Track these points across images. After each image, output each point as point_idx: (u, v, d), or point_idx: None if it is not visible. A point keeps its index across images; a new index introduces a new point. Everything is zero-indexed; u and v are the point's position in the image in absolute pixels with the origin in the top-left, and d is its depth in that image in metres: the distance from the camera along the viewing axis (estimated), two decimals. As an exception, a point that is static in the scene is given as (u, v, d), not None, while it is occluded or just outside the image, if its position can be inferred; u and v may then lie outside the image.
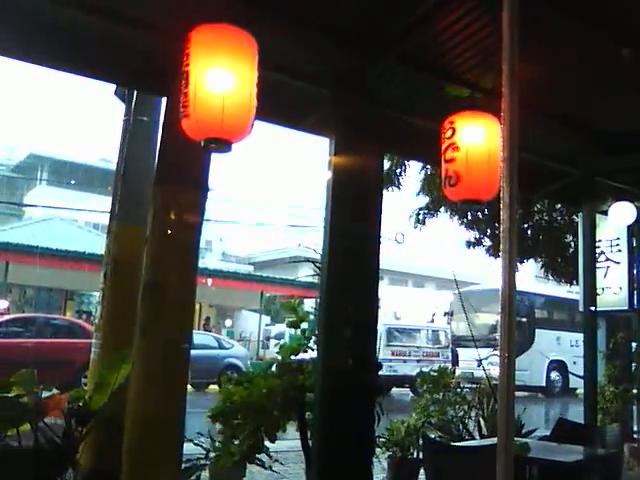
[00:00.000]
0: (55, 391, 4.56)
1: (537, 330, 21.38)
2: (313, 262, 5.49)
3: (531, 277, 24.20)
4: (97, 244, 15.67)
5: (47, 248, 20.99)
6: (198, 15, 2.86)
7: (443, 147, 3.79)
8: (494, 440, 2.44)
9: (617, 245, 7.87)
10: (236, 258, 44.34)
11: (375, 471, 4.69)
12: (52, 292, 25.77)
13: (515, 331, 2.36)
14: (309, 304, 7.54)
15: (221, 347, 19.26)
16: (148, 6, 3.48)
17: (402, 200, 11.02)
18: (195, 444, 5.23)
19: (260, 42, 2.89)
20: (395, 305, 27.00)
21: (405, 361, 19.80)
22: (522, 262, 11.74)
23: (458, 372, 10.36)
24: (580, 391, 11.60)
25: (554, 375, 21.85)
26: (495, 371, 2.85)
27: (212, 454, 5.10)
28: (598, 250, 7.66)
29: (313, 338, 5.14)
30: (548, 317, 23.11)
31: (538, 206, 11.16)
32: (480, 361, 10.39)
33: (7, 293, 22.77)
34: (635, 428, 8.33)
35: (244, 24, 2.85)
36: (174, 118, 2.99)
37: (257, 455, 5.17)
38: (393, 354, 19.62)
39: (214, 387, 15.44)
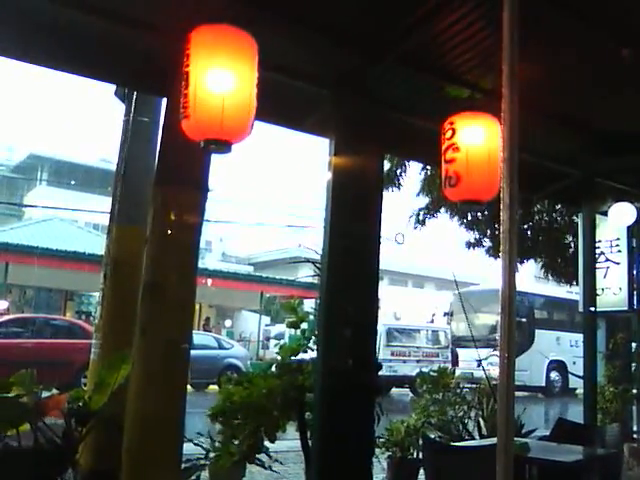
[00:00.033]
0: (55, 391, 4.56)
1: (537, 330, 21.38)
2: (313, 262, 5.49)
3: (531, 277, 24.22)
4: (97, 244, 15.68)
5: (47, 249, 21.00)
6: (198, 16, 2.86)
7: (443, 147, 3.79)
8: (494, 440, 2.44)
9: (617, 246, 7.87)
10: (236, 258, 44.34)
11: (375, 471, 4.69)
12: (52, 292, 25.77)
13: (515, 331, 2.36)
14: (309, 304, 7.55)
15: (221, 347, 19.26)
16: (148, 6, 3.48)
17: (402, 200, 11.02)
18: (195, 444, 5.23)
19: (260, 42, 2.89)
20: (395, 305, 27.02)
21: (405, 361, 19.79)
22: (522, 262, 11.75)
23: (458, 372, 10.35)
24: (580, 391, 11.61)
25: (554, 375, 21.85)
26: (495, 371, 2.85)
27: (212, 454, 5.11)
28: (598, 251, 7.66)
29: (313, 338, 5.14)
30: (548, 317, 23.12)
31: (538, 207, 11.17)
32: (480, 361, 10.39)
33: (7, 293, 22.77)
34: (635, 428, 8.33)
35: (244, 24, 2.85)
36: (174, 119, 2.99)
37: (257, 455, 5.17)
38: (393, 354, 19.62)
39: (214, 387, 15.44)
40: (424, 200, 11.17)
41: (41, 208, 32.26)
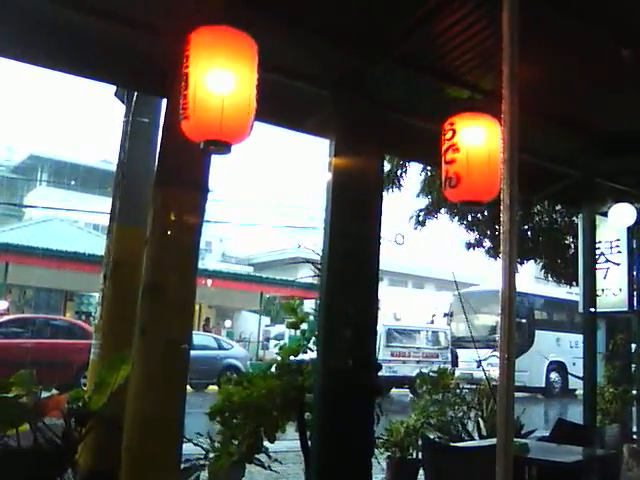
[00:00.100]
0: (54, 391, 4.56)
1: (537, 331, 21.37)
2: (313, 263, 5.49)
3: (531, 278, 24.19)
4: (97, 245, 15.66)
5: (47, 249, 21.01)
6: (198, 17, 2.86)
7: (443, 148, 3.80)
8: (493, 441, 2.44)
9: (617, 246, 7.87)
10: (236, 259, 44.33)
11: (374, 471, 4.69)
12: (52, 293, 25.77)
13: (515, 332, 2.36)
14: (309, 305, 7.54)
15: (221, 348, 19.26)
16: (148, 8, 3.49)
17: (402, 201, 11.03)
18: (194, 444, 5.23)
19: (260, 44, 2.89)
20: (395, 306, 27.00)
21: (405, 362, 19.79)
22: (522, 263, 11.75)
23: (457, 373, 10.39)
24: (579, 392, 11.61)
25: (554, 376, 21.85)
26: (494, 372, 2.85)
27: (211, 454, 5.10)
28: (598, 251, 7.65)
29: (313, 339, 5.14)
30: (548, 318, 23.12)
31: (538, 207, 11.17)
32: (479, 362, 10.40)
33: (7, 294, 22.77)
34: (634, 429, 8.33)
35: (244, 26, 2.85)
36: (174, 120, 2.99)
37: (256, 455, 5.17)
38: (393, 355, 19.62)
39: (214, 388, 15.43)
40: (424, 201, 11.18)
41: (41, 209, 32.27)
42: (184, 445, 3.92)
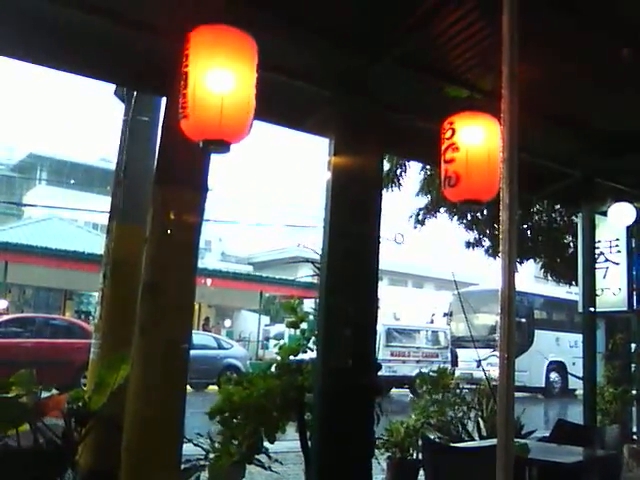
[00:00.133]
0: (54, 391, 4.55)
1: (536, 331, 21.39)
2: (312, 262, 5.48)
3: (530, 278, 24.23)
4: (96, 244, 15.66)
5: (46, 248, 21.02)
6: (198, 16, 2.86)
7: (443, 147, 3.79)
8: (494, 441, 2.44)
9: (616, 246, 7.87)
10: (235, 258, 44.33)
11: (374, 472, 4.68)
12: (51, 292, 25.80)
13: (514, 332, 2.36)
14: (308, 304, 7.54)
15: (220, 347, 19.26)
16: (148, 7, 3.48)
17: (402, 200, 11.03)
18: (195, 445, 5.22)
19: (260, 43, 2.89)
20: (394, 306, 27.03)
21: (404, 362, 19.79)
22: (522, 263, 11.75)
23: (457, 373, 10.37)
24: (579, 392, 11.61)
25: (553, 376, 21.87)
26: (494, 372, 2.85)
27: (212, 455, 5.10)
28: (597, 251, 7.66)
29: (312, 338, 5.13)
30: (547, 318, 23.13)
31: (538, 207, 11.17)
32: (479, 362, 10.41)
33: (6, 293, 22.77)
34: (634, 429, 8.33)
35: (243, 25, 2.85)
36: (173, 118, 2.99)
37: (256, 456, 5.16)
38: (392, 355, 19.62)
39: (213, 387, 15.42)
40: (424, 200, 11.18)
41: (40, 207, 32.26)
42: (184, 445, 3.92)
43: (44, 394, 4.38)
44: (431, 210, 11.14)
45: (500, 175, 2.44)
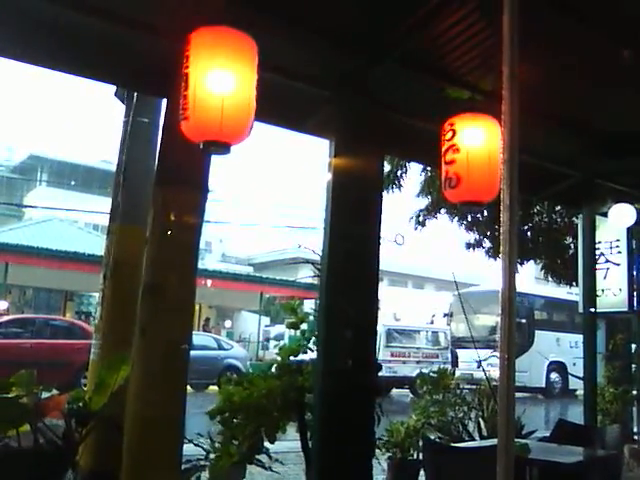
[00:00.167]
0: (55, 392, 4.55)
1: (537, 331, 21.39)
2: (313, 263, 5.48)
3: (531, 278, 24.22)
4: (97, 245, 15.66)
5: (47, 249, 21.02)
6: (198, 17, 2.86)
7: (443, 149, 3.79)
8: (494, 441, 2.44)
9: (617, 247, 7.86)
10: (236, 259, 44.31)
11: (375, 472, 4.68)
12: (52, 293, 25.80)
13: (515, 332, 2.36)
14: (309, 305, 7.55)
15: (221, 348, 19.26)
16: (148, 8, 3.49)
17: (402, 201, 11.03)
18: (195, 445, 5.22)
19: (260, 44, 2.89)
20: (395, 306, 26.99)
21: (405, 362, 19.79)
22: (522, 264, 11.75)
23: (458, 373, 10.37)
24: (580, 392, 11.61)
25: (554, 376, 21.86)
26: (495, 372, 2.85)
27: (212, 455, 5.10)
28: (598, 252, 7.65)
29: (313, 339, 5.14)
30: (548, 318, 23.13)
31: (538, 208, 11.17)
32: (480, 362, 10.40)
33: (7, 294, 22.77)
34: (635, 429, 8.33)
35: (244, 27, 2.85)
36: (174, 120, 2.99)
37: (257, 456, 5.16)
38: (393, 355, 19.62)
39: (214, 388, 15.43)
40: (424, 201, 11.18)
41: (41, 209, 32.26)
42: (185, 446, 3.92)
43: (44, 394, 4.38)
44: (431, 211, 11.14)
45: (500, 176, 2.44)
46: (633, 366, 8.81)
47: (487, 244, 11.56)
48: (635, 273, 7.90)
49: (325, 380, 3.91)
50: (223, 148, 2.88)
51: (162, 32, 3.45)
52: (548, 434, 5.71)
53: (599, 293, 7.42)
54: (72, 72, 4.05)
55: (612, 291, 7.83)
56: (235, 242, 45.52)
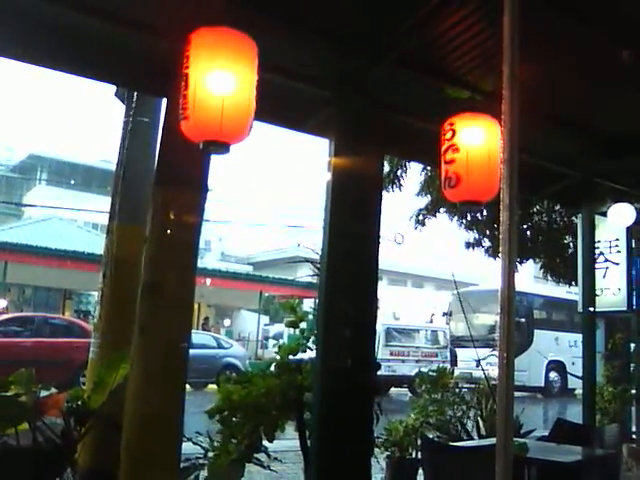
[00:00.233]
0: (54, 390, 4.55)
1: (536, 330, 21.40)
2: (312, 262, 5.48)
3: (530, 278, 24.24)
4: (96, 244, 15.68)
5: (46, 248, 21.04)
6: (198, 18, 2.86)
7: (443, 148, 3.79)
8: (493, 440, 2.44)
9: (616, 246, 7.88)
10: (235, 258, 44.31)
11: (373, 471, 4.69)
12: (51, 291, 25.80)
13: (514, 332, 2.37)
14: (308, 304, 7.55)
15: (220, 347, 19.27)
16: (148, 8, 3.49)
17: (402, 201, 11.04)
18: (194, 443, 5.23)
19: (260, 44, 2.89)
20: (394, 305, 27.03)
21: (404, 361, 19.80)
22: (521, 263, 11.75)
23: (457, 372, 10.37)
24: (579, 391, 11.62)
25: (553, 375, 21.87)
26: (494, 371, 2.85)
27: (211, 453, 5.10)
28: (597, 251, 7.66)
29: (312, 338, 5.14)
30: (547, 317, 23.14)
31: (537, 207, 11.18)
32: (479, 361, 10.40)
33: (6, 292, 22.77)
34: (634, 428, 8.35)
35: (244, 27, 2.85)
36: (174, 119, 2.99)
37: (256, 455, 5.17)
38: (392, 354, 19.63)
39: (213, 387, 15.42)
40: (424, 200, 11.18)
41: (40, 207, 32.26)
42: (183, 444, 3.92)
43: (43, 393, 4.37)
44: (431, 211, 11.14)
45: (500, 176, 2.44)
46: (632, 365, 8.82)
47: (486, 243, 11.57)
48: (634, 272, 7.91)
49: (324, 379, 3.92)
50: (223, 148, 2.88)
51: (162, 32, 3.44)
52: (547, 433, 5.72)
53: (598, 292, 7.42)
54: (72, 72, 4.05)
55: (611, 290, 7.84)
56: (234, 241, 45.53)
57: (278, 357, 5.28)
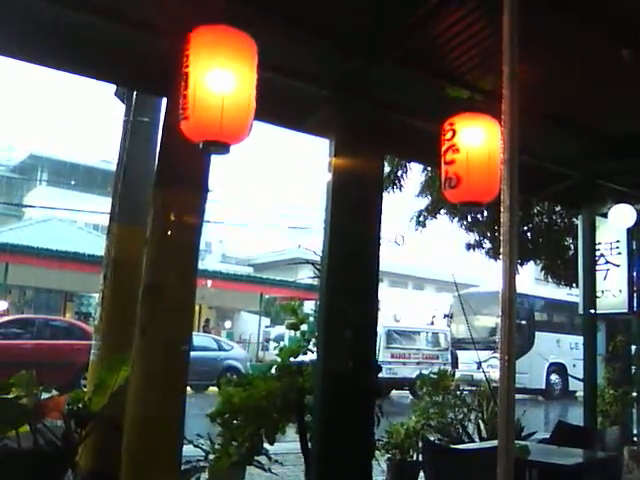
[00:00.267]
0: (54, 392, 4.55)
1: (537, 333, 21.37)
2: (313, 264, 5.48)
3: (531, 280, 24.20)
4: (97, 245, 15.65)
5: (47, 249, 21.02)
6: (198, 17, 2.86)
7: (443, 149, 3.78)
8: (494, 443, 2.43)
9: (617, 248, 7.85)
10: (236, 260, 44.30)
11: (374, 473, 4.68)
12: (51, 293, 25.78)
13: (515, 334, 2.36)
14: (309, 306, 7.54)
15: (221, 349, 19.26)
16: (148, 7, 3.48)
17: (403, 202, 11.02)
18: (195, 446, 5.23)
19: (260, 44, 2.88)
20: (395, 307, 27.00)
21: (405, 363, 19.79)
22: (522, 265, 11.74)
23: (458, 375, 10.38)
24: (580, 394, 11.60)
25: (554, 378, 21.84)
26: (495, 374, 2.84)
27: (211, 456, 5.10)
28: (598, 253, 7.64)
29: (313, 340, 5.13)
30: (548, 320, 23.11)
31: (538, 208, 11.17)
32: (480, 363, 10.38)
33: (7, 294, 22.76)
34: (635, 431, 8.31)
35: (243, 26, 2.85)
36: (174, 119, 2.99)
37: (256, 457, 5.16)
38: (393, 356, 19.62)
39: (214, 389, 15.42)
40: (424, 201, 11.17)
41: (41, 208, 32.26)
42: (184, 446, 3.92)
43: (44, 395, 4.37)
44: (432, 212, 11.13)
45: (500, 177, 2.43)
46: (633, 368, 8.79)
47: (487, 245, 11.55)
48: (635, 274, 7.89)
49: (325, 381, 3.91)
50: (223, 148, 2.88)
51: (162, 31, 3.44)
52: (548, 436, 5.70)
53: (599, 294, 7.40)
54: (72, 71, 4.05)
55: (612, 292, 7.81)
56: (235, 243, 45.51)
57: (279, 359, 5.27)
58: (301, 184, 73.02)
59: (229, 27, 2.83)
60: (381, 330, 18.51)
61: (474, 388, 8.04)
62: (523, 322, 20.28)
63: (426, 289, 43.09)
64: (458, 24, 3.71)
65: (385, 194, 7.05)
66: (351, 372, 3.83)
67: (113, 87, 5.46)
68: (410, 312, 27.32)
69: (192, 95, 2.76)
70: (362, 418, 3.94)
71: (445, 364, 18.74)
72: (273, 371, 5.27)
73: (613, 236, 7.79)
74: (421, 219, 11.25)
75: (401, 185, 10.00)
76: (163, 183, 3.79)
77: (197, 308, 23.69)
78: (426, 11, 3.57)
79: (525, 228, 11.12)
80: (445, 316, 23.15)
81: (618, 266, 7.81)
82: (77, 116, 78.72)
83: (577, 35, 3.87)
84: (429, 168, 10.14)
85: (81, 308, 26.47)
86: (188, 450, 4.67)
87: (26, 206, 40.02)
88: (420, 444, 6.07)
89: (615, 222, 6.86)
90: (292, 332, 5.62)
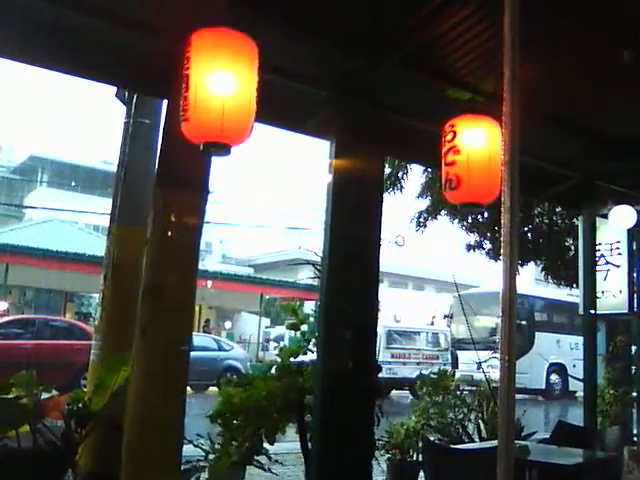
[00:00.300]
0: (54, 392, 4.55)
1: (537, 333, 21.36)
2: (313, 264, 5.48)
3: (531, 280, 24.19)
4: (97, 246, 15.64)
5: (47, 250, 21.02)
6: (198, 19, 2.86)
7: (444, 150, 3.78)
8: (494, 443, 2.44)
9: (617, 248, 7.85)
10: (236, 260, 44.31)
11: (374, 473, 4.68)
12: (52, 294, 25.78)
13: (515, 334, 2.36)
14: (309, 306, 7.54)
15: (221, 349, 19.25)
16: (149, 9, 3.49)
17: (403, 203, 11.03)
18: (195, 446, 5.23)
19: (261, 45, 2.89)
20: (395, 308, 27.01)
21: (405, 364, 19.78)
22: (522, 265, 11.74)
23: (458, 375, 10.39)
24: (580, 394, 11.60)
25: (554, 378, 21.84)
26: (495, 374, 2.85)
27: (211, 456, 5.10)
28: (598, 253, 7.64)
29: (313, 340, 5.14)
30: (548, 320, 23.10)
31: (538, 209, 11.17)
32: (480, 364, 10.37)
33: (7, 294, 22.76)
34: (635, 431, 8.31)
35: (244, 28, 2.85)
36: (174, 121, 2.99)
37: (256, 457, 5.16)
38: (393, 356, 19.61)
39: (214, 389, 15.42)
40: (425, 202, 11.17)
41: (41, 209, 32.26)
42: (184, 446, 3.92)
43: (44, 395, 4.37)
44: (432, 213, 11.12)
45: (501, 178, 2.43)
46: (633, 368, 8.80)
47: (487, 245, 11.55)
48: (635, 275, 7.89)
49: (325, 381, 3.91)
50: (223, 149, 2.88)
51: (163, 33, 3.45)
52: (548, 436, 5.70)
53: (599, 295, 7.41)
54: (72, 73, 4.05)
55: (612, 293, 7.81)
56: (235, 243, 45.53)
57: (279, 359, 5.28)
58: (301, 185, 73.04)
59: (230, 29, 2.83)
60: (381, 330, 18.50)
61: (474, 388, 8.04)
62: (523, 322, 20.28)
63: (426, 289, 43.10)
64: (459, 25, 3.72)
65: (385, 195, 7.04)
66: (351, 372, 3.83)
67: (114, 89, 5.46)
68: (410, 312, 27.33)
69: (193, 97, 2.76)
70: (362, 418, 3.95)
71: (445, 364, 18.73)
72: (273, 371, 5.27)
73: (613, 237, 7.79)
74: (421, 220, 11.24)
75: (401, 186, 10.00)
76: (164, 184, 3.79)
77: (197, 308, 23.69)
78: (427, 12, 3.58)
79: (526, 229, 11.12)
80: (445, 316, 23.15)
81: (618, 267, 7.82)
82: (78, 117, 78.79)
83: (577, 36, 3.88)
84: (429, 169, 10.14)
85: (81, 308, 26.47)
86: (188, 450, 4.67)
87: (27, 207, 40.04)
88: (420, 444, 6.07)
89: (615, 223, 6.86)
90: (292, 332, 5.62)
